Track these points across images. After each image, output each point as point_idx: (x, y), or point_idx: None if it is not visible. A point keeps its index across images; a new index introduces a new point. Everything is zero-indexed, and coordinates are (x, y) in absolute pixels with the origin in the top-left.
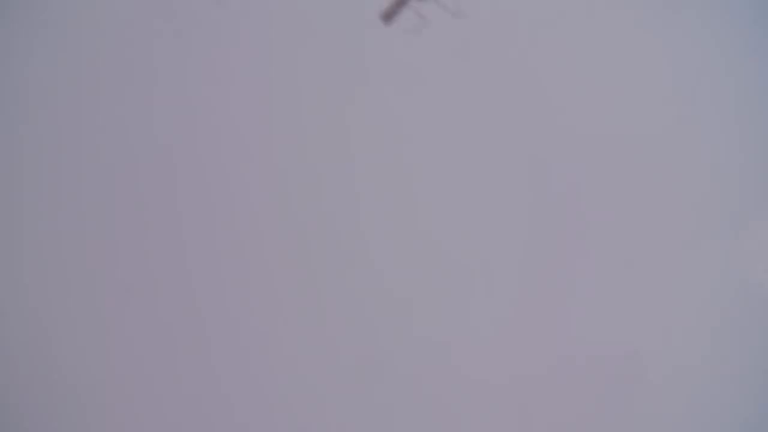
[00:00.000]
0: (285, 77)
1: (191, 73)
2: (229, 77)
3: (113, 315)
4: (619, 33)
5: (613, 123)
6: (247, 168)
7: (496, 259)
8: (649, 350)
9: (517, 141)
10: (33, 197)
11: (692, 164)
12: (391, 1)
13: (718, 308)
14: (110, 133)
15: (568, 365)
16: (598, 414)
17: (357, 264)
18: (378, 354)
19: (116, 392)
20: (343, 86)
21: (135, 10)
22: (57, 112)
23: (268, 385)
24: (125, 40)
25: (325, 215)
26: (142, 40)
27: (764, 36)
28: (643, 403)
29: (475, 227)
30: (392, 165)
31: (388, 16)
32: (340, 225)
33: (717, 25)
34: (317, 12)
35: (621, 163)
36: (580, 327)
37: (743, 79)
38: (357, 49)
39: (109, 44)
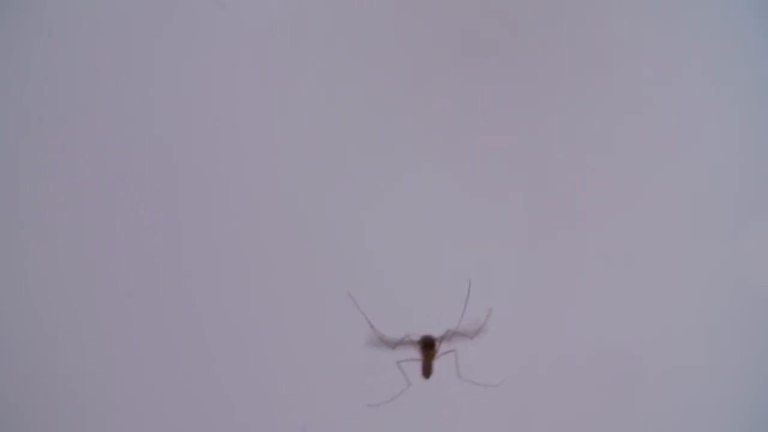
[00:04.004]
0: (284, 77)
1: (191, 74)
2: (229, 78)
3: (113, 315)
4: (617, 31)
5: (613, 123)
6: (247, 169)
7: (496, 259)
8: (649, 350)
9: (516, 138)
10: (33, 197)
11: (692, 165)
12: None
13: (717, 308)
14: (110, 134)
15: (568, 365)
16: (598, 414)
17: (357, 264)
18: (379, 354)
19: (116, 392)
20: (342, 85)
21: (135, 10)
22: (57, 112)
23: (268, 385)
24: (125, 40)
25: (325, 214)
26: (142, 40)
27: (764, 36)
28: (643, 403)
29: (475, 228)
30: (391, 166)
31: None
32: (341, 225)
33: (717, 25)
34: (317, 13)
35: (620, 164)
36: (580, 327)
37: (743, 80)
38: (356, 51)
39: (109, 44)
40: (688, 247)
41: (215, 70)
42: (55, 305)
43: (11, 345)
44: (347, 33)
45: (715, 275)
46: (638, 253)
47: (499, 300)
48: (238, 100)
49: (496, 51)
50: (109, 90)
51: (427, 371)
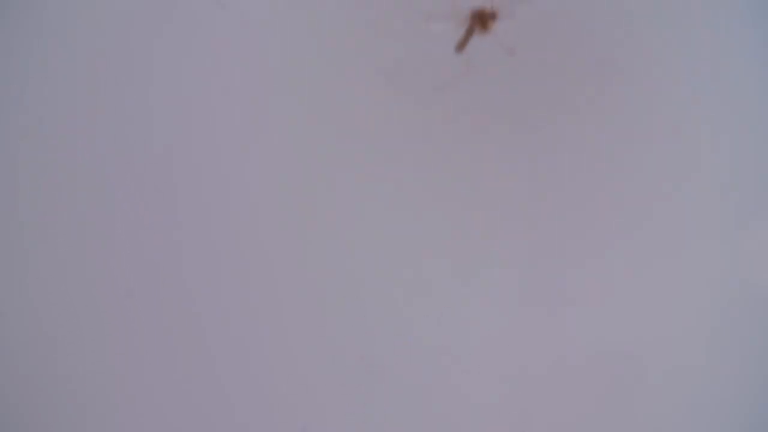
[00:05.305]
0: (285, 78)
1: (191, 74)
2: (229, 78)
3: (113, 315)
4: (616, 34)
5: (612, 123)
6: (247, 169)
7: (496, 260)
8: (649, 350)
9: (515, 140)
10: (33, 197)
11: (692, 165)
12: (462, 35)
13: (718, 308)
14: (110, 134)
15: (567, 365)
16: (598, 414)
17: (357, 264)
18: (379, 355)
19: (116, 392)
20: (343, 86)
21: (135, 10)
22: (57, 112)
23: (268, 385)
24: (125, 40)
25: (325, 214)
26: (142, 40)
27: (764, 36)
28: (643, 403)
29: (475, 226)
30: (392, 166)
31: (460, 47)
32: (341, 226)
33: (717, 25)
34: (318, 13)
35: (620, 164)
36: (580, 327)
37: (743, 80)
38: (357, 51)
39: (109, 44)
40: (688, 247)
41: (215, 70)
42: (55, 305)
43: (11, 345)
44: (349, 33)
45: (715, 275)
46: (638, 253)
47: (498, 299)
48: (239, 100)
49: (499, 57)
50: (109, 90)
51: (462, 45)
